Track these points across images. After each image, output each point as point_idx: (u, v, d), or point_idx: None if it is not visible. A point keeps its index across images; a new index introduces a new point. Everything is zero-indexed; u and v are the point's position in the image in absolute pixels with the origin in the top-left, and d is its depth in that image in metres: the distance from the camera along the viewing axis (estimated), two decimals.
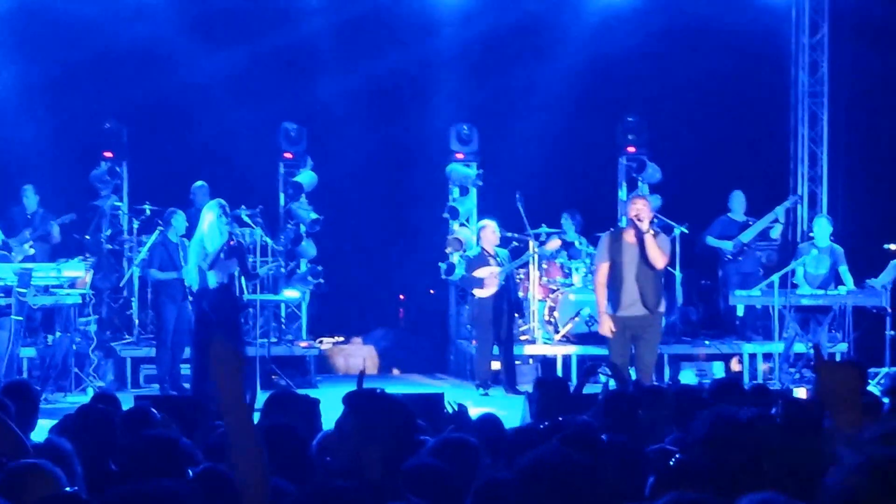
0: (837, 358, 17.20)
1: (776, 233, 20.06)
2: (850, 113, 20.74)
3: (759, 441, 6.23)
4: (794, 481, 6.17)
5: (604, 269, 15.43)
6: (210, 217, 16.38)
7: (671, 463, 6.45)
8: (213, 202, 16.77)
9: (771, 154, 21.45)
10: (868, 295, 18.32)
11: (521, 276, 19.66)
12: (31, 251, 18.50)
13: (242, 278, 18.17)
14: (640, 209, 15.13)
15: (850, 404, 4.94)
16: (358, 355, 20.61)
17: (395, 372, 20.25)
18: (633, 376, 14.45)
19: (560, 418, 8.26)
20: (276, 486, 5.34)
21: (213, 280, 16.18)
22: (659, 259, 15.26)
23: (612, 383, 12.77)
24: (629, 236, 15.19)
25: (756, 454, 6.12)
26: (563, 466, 5.02)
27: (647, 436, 8.20)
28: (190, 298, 17.32)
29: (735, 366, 18.60)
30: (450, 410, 10.10)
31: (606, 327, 15.46)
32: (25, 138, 20.14)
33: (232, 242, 16.36)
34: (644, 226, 15.05)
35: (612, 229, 16.42)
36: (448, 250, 19.94)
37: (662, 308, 15.63)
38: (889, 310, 18.17)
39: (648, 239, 15.03)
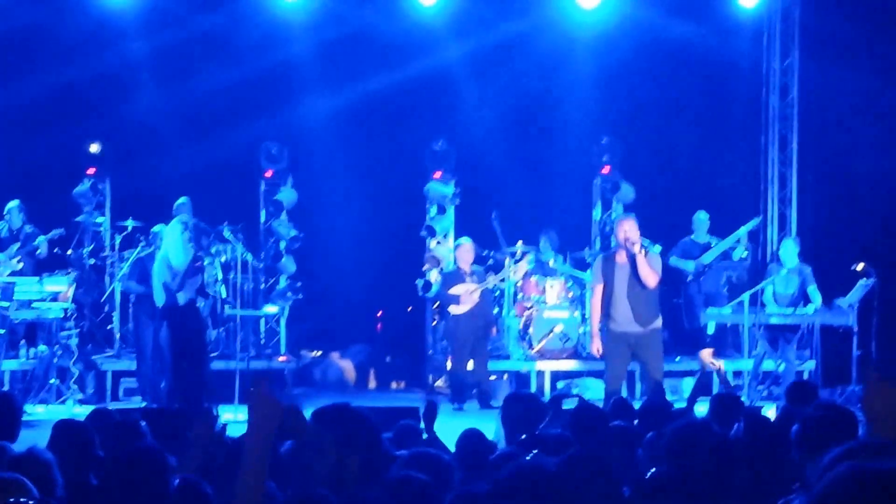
0: (805, 376, 17.70)
1: (737, 254, 20.10)
2: (819, 136, 20.84)
3: (722, 454, 6.30)
4: (758, 496, 6.21)
5: (598, 290, 15.64)
6: (174, 234, 16.48)
7: (647, 476, 6.43)
8: (176, 220, 16.97)
9: (742, 175, 21.51)
10: (836, 314, 18.26)
11: (497, 294, 19.67)
12: (20, 266, 18.52)
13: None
14: (629, 230, 15.22)
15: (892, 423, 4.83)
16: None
17: (372, 385, 20.30)
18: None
19: (535, 432, 8.41)
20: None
21: (182, 297, 16.25)
22: (650, 277, 15.38)
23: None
24: (620, 257, 15.34)
25: (719, 466, 6.18)
26: (538, 478, 5.11)
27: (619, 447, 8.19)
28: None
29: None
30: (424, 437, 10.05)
31: (595, 347, 15.84)
32: (10, 156, 20.05)
33: (197, 264, 16.47)
34: (636, 248, 15.18)
35: (604, 252, 16.83)
36: (425, 267, 20.02)
37: (658, 324, 15.71)
38: (856, 329, 18.02)
39: (640, 259, 15.21)
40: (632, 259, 15.18)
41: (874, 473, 2.97)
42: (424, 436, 9.99)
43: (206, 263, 17.78)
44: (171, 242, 16.53)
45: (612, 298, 15.32)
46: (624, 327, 15.27)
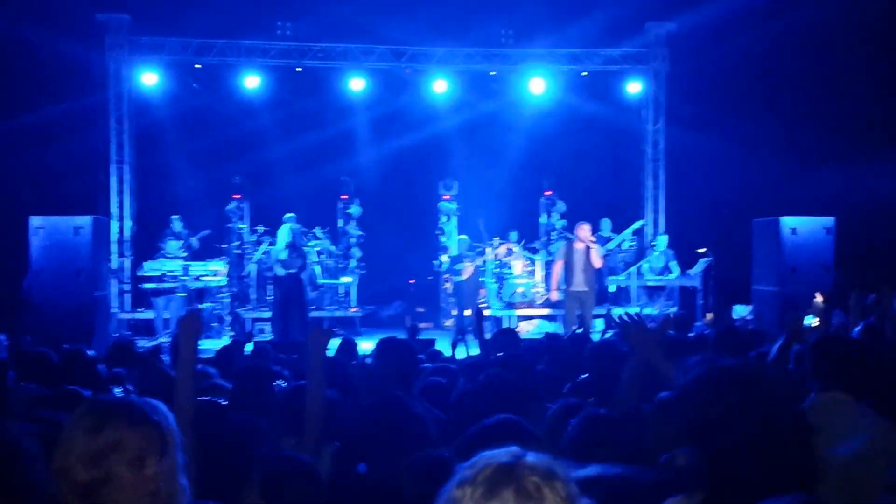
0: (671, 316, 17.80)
1: (626, 245, 20.05)
2: (677, 171, 20.71)
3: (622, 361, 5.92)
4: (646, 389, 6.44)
5: (560, 263, 15.84)
6: (282, 234, 16.99)
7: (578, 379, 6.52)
8: (286, 225, 17.31)
9: (630, 195, 21.32)
10: (687, 279, 18.58)
11: (483, 268, 19.56)
12: (184, 254, 17.99)
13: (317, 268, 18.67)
14: (585, 231, 15.63)
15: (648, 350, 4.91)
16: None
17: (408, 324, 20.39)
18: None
19: (510, 353, 8.29)
20: (332, 398, 5.31)
21: (281, 271, 16.77)
22: (598, 261, 15.78)
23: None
24: (578, 245, 15.55)
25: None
26: (504, 383, 5.14)
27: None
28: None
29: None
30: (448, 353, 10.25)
31: (555, 296, 16.27)
32: (187, 186, 20.28)
33: (299, 252, 16.88)
34: (592, 243, 15.57)
35: (566, 241, 16.62)
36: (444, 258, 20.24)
37: (594, 287, 15.90)
38: (700, 288, 18.39)
39: (593, 249, 15.55)
40: (586, 247, 15.48)
41: (721, 368, 3.00)
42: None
43: (306, 251, 18.12)
44: (281, 239, 17.22)
45: (572, 271, 15.53)
46: (577, 288, 15.49)
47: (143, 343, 14.31)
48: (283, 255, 16.83)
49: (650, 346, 4.89)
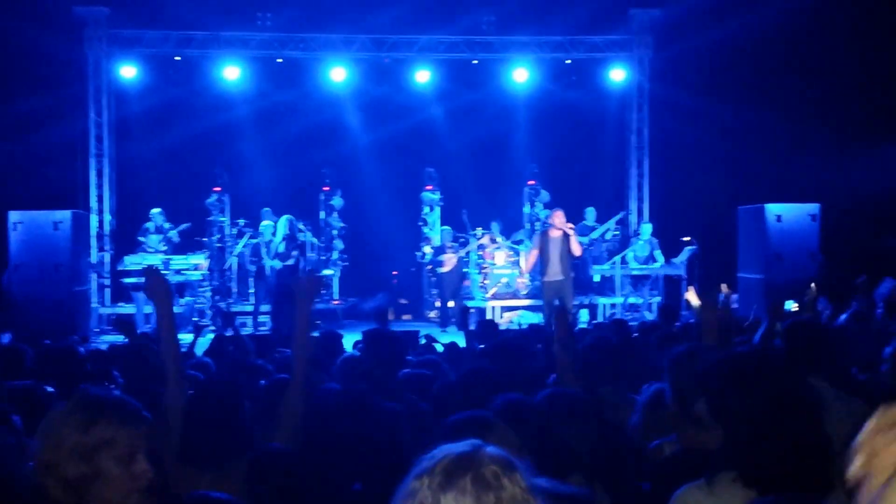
0: (654, 307, 17.51)
1: (609, 235, 20.02)
2: (660, 160, 20.69)
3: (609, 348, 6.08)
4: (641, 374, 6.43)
5: (534, 252, 15.72)
6: (282, 225, 17.07)
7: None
8: (285, 217, 17.35)
9: (614, 184, 21.34)
10: (672, 268, 18.56)
11: (466, 259, 19.66)
12: (164, 247, 18.08)
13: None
14: (560, 217, 15.42)
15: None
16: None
17: (391, 317, 20.34)
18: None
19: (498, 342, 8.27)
20: (326, 387, 5.33)
21: (278, 264, 16.82)
22: (578, 248, 15.61)
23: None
24: (554, 233, 15.36)
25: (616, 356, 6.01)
26: (486, 374, 5.13)
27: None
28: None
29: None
30: (423, 341, 10.25)
31: (521, 281, 16.25)
32: (167, 179, 20.04)
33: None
34: (570, 230, 15.35)
35: (541, 229, 16.47)
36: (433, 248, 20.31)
37: (571, 275, 15.66)
38: (685, 277, 18.38)
39: (572, 237, 15.37)
40: (564, 234, 15.24)
41: (741, 353, 3.29)
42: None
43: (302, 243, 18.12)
44: (280, 231, 17.16)
45: (548, 260, 15.34)
46: (553, 277, 15.32)
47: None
48: (282, 248, 16.98)
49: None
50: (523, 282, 19.28)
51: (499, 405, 4.02)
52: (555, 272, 15.35)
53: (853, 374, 6.64)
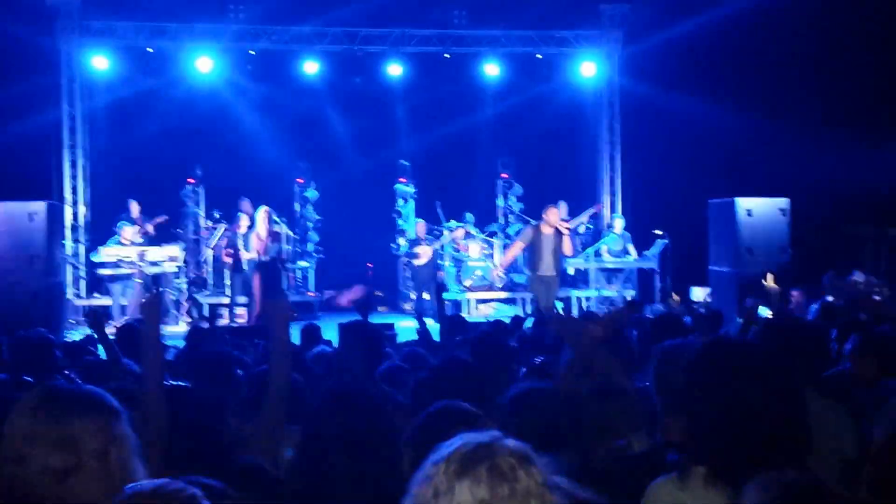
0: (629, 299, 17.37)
1: (582, 229, 19.87)
2: (632, 155, 20.85)
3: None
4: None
5: (519, 245, 15.76)
6: (258, 219, 17.05)
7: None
8: (262, 208, 17.32)
9: (587, 178, 21.47)
10: (645, 261, 18.69)
11: (441, 251, 19.61)
12: (140, 239, 17.85)
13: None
14: (555, 215, 15.55)
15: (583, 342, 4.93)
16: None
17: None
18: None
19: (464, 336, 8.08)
20: (294, 381, 5.18)
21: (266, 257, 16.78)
22: (570, 248, 15.99)
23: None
24: (546, 229, 15.37)
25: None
26: (460, 365, 5.12)
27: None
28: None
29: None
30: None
31: (497, 273, 16.34)
32: (141, 172, 19.78)
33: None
34: (564, 229, 15.48)
35: (532, 225, 16.29)
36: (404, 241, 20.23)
37: (559, 270, 15.87)
38: (657, 270, 18.59)
39: (566, 237, 15.52)
40: (557, 231, 15.32)
41: (721, 345, 3.21)
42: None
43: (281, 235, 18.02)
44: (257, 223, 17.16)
45: (540, 255, 15.38)
46: (545, 272, 15.38)
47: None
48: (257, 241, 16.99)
49: (585, 340, 4.90)
50: (498, 274, 19.33)
51: (512, 395, 4.05)
52: (547, 267, 15.42)
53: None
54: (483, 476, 2.10)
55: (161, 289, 17.58)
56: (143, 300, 4.65)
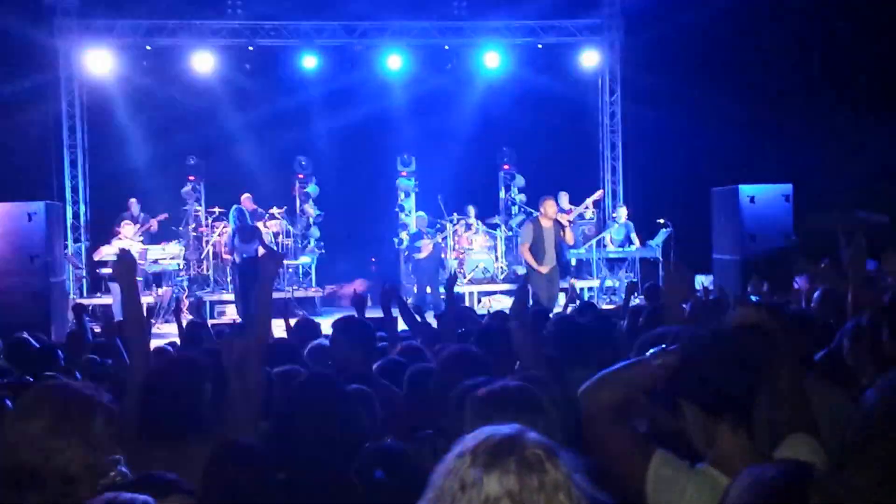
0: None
1: (588, 213, 19.90)
2: (633, 141, 20.81)
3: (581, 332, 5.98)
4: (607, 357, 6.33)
5: (527, 244, 15.49)
6: (231, 218, 16.77)
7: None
8: (233, 208, 16.91)
9: (590, 168, 21.39)
10: (648, 250, 18.65)
11: (443, 244, 19.52)
12: (140, 238, 17.94)
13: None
14: (553, 207, 15.37)
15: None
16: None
17: (369, 303, 20.23)
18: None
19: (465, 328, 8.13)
20: (294, 369, 5.39)
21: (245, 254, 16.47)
22: (572, 238, 15.88)
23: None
24: (545, 223, 15.20)
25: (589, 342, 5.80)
26: (466, 355, 5.06)
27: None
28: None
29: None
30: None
31: (545, 269, 15.70)
32: (145, 171, 19.97)
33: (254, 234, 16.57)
34: (565, 221, 15.42)
35: (530, 220, 16.13)
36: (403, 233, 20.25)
37: (561, 263, 15.85)
38: (661, 259, 18.47)
39: (568, 228, 15.44)
40: (556, 223, 15.19)
41: (720, 331, 3.32)
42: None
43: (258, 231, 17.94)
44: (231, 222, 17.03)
45: (543, 249, 15.22)
46: (547, 265, 15.22)
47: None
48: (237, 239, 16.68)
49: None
50: (500, 266, 19.23)
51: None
52: (550, 260, 15.34)
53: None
54: (512, 468, 2.13)
55: (160, 289, 17.59)
56: (116, 258, 4.77)
